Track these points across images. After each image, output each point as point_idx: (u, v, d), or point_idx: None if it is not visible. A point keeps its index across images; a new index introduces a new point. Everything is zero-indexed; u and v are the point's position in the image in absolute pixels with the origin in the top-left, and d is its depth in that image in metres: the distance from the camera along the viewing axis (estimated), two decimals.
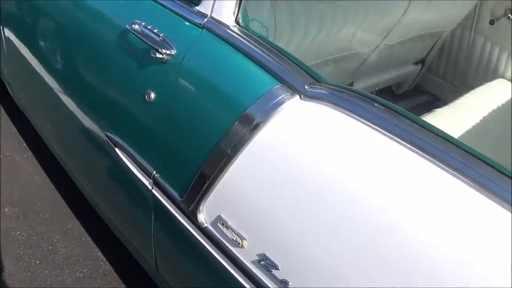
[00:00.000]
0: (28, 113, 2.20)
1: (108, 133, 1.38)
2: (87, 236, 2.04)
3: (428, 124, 0.92)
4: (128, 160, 1.30)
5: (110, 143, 1.37)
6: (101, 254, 1.98)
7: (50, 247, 2.00)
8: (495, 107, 2.10)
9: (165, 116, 1.19)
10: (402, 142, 0.88)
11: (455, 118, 1.96)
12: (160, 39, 1.19)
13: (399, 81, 2.48)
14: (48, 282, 1.87)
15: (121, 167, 1.34)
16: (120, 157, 1.33)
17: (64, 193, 2.23)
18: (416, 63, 2.47)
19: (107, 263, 1.95)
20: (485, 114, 2.04)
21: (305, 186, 0.93)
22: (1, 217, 2.10)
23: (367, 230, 0.85)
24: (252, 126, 0.98)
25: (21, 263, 1.93)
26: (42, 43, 1.74)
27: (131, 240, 1.57)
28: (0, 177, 2.28)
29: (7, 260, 1.94)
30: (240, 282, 1.04)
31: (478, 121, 1.97)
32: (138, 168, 1.27)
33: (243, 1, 1.15)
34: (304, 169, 0.94)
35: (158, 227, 1.30)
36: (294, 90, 0.99)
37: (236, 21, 1.16)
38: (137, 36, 1.23)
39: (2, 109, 2.70)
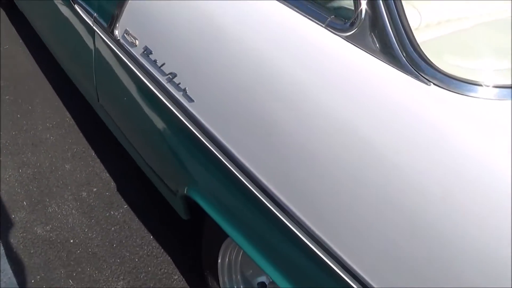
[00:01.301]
0: (25, 12, 2.81)
1: None
2: (60, 102, 2.65)
3: None
4: (80, 9, 1.90)
5: (71, 1, 1.96)
6: (68, 113, 2.58)
7: (30, 107, 2.61)
8: None
9: None
10: None
11: None
12: None
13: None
14: (24, 128, 2.48)
15: (77, 16, 1.94)
16: (76, 9, 1.93)
17: (48, 76, 2.83)
18: None
19: (72, 119, 2.55)
20: None
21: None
22: None
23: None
24: None
25: (8, 116, 2.54)
26: None
27: (78, 74, 2.18)
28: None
29: None
30: (137, 74, 1.62)
31: None
32: (85, 12, 1.87)
33: None
34: None
35: (96, 57, 1.89)
36: None
37: None
38: None
39: (6, 15, 3.33)
